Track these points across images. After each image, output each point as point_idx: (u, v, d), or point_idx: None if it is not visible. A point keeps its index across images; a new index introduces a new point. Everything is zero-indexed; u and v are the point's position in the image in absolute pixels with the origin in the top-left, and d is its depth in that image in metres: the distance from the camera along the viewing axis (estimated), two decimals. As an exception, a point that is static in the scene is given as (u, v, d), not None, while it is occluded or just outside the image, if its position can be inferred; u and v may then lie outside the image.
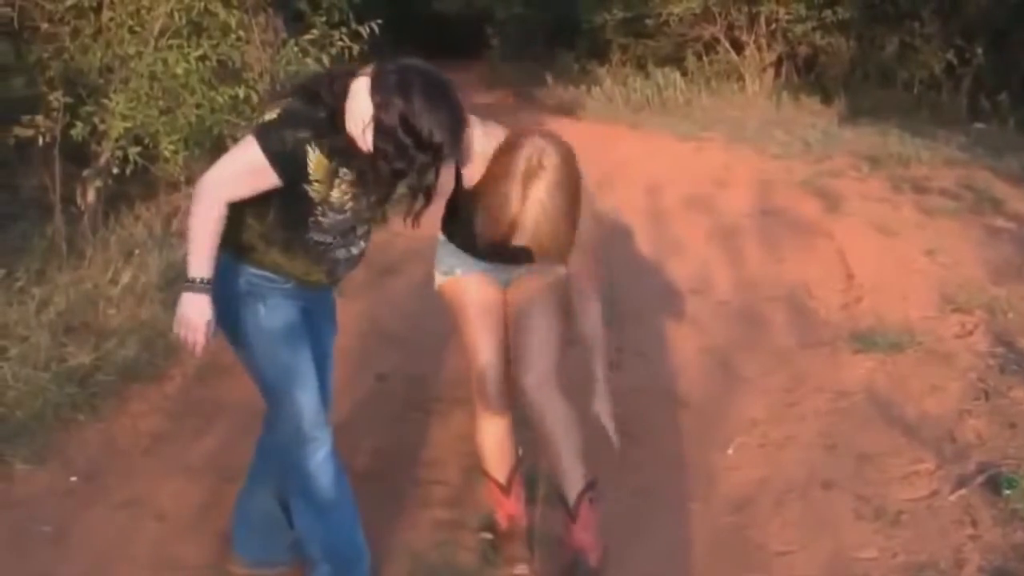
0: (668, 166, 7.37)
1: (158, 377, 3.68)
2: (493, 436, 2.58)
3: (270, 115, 2.16)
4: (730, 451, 3.27)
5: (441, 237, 2.58)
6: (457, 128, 2.11)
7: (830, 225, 5.71)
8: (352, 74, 2.14)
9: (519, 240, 2.19)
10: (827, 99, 10.42)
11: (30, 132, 4.41)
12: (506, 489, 2.61)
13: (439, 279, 2.60)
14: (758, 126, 9.25)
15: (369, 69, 2.12)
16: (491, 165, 2.24)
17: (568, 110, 10.47)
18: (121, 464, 3.12)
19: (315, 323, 2.38)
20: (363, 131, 2.07)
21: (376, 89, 2.07)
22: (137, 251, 4.57)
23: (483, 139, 2.28)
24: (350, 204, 2.21)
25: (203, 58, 5.04)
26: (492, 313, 2.53)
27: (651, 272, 5.15)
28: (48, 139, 4.46)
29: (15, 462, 2.99)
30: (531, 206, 2.15)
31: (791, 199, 6.42)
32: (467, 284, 2.54)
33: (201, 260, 2.13)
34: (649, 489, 2.95)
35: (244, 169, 2.13)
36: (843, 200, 6.25)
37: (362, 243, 2.33)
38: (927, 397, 3.51)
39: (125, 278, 4.19)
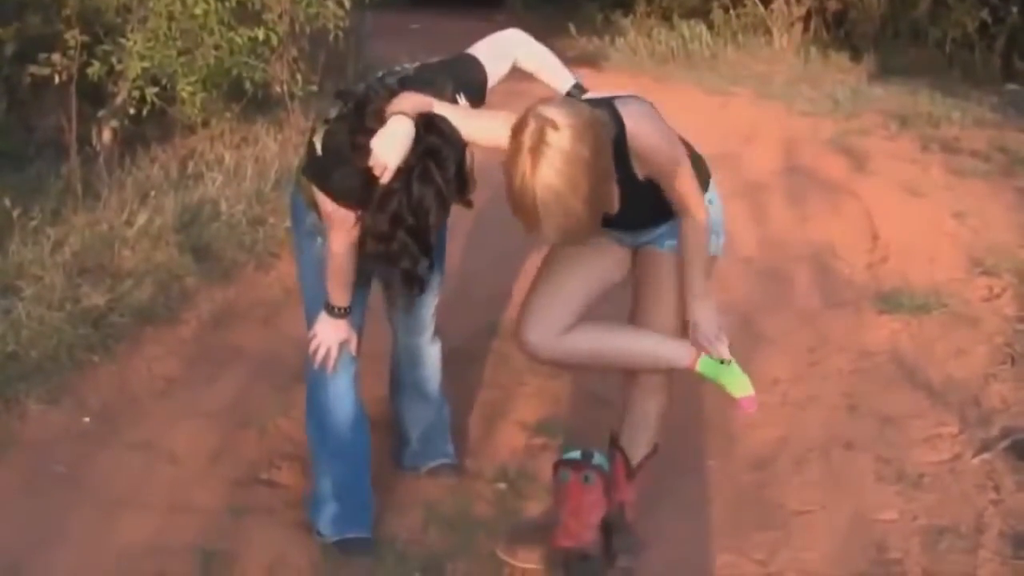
0: (693, 121, 7.16)
1: (173, 320, 3.65)
2: None
3: (318, 151, 2.23)
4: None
5: None
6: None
7: (857, 184, 5.60)
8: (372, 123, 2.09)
9: (538, 221, 1.99)
10: (856, 56, 10.19)
11: (46, 71, 4.36)
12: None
13: None
14: (785, 82, 9.09)
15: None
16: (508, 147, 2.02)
17: (591, 61, 10.28)
18: (135, 406, 3.11)
19: None
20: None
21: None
22: (153, 193, 4.53)
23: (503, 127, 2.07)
24: None
25: (222, -2, 4.94)
26: (596, 258, 2.39)
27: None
28: (64, 78, 4.39)
29: (29, 402, 2.98)
30: (539, 185, 1.94)
31: (818, 157, 6.30)
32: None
33: (339, 292, 2.32)
34: (668, 446, 2.91)
35: (338, 224, 2.20)
36: (871, 159, 6.13)
37: None
38: (952, 360, 3.46)
39: (141, 220, 4.15)
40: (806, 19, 11.22)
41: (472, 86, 2.26)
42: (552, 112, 1.96)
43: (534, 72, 2.41)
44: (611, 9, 12.55)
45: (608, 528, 2.44)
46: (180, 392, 3.22)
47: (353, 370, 2.45)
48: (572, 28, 11.28)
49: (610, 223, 2.28)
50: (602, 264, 2.42)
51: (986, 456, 2.82)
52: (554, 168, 1.93)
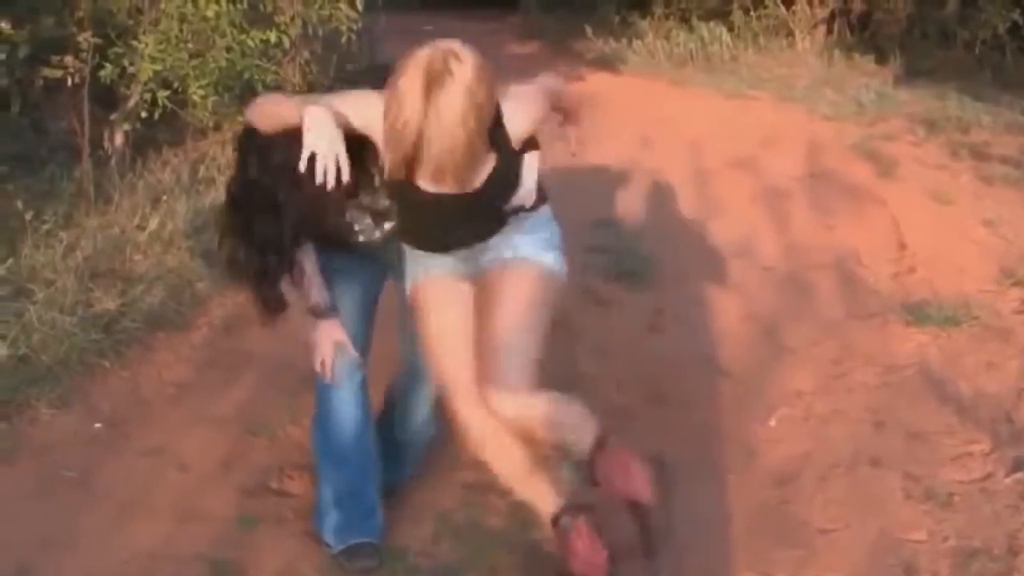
0: (712, 125, 7.21)
1: (184, 326, 3.63)
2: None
3: None
4: (772, 423, 3.15)
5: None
6: None
7: (883, 191, 5.53)
8: None
9: (424, 164, 1.90)
10: (882, 58, 10.09)
11: (58, 73, 4.38)
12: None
13: (408, 289, 2.33)
14: (808, 85, 9.01)
15: None
16: (390, 85, 1.90)
17: (608, 64, 10.25)
18: (145, 412, 3.08)
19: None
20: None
21: None
22: (165, 197, 4.52)
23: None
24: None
25: (234, 0, 4.92)
26: (459, 327, 2.25)
27: (693, 235, 5.00)
28: (77, 81, 4.41)
29: (39, 406, 2.96)
30: (436, 117, 1.84)
31: (842, 162, 6.24)
32: (431, 292, 2.27)
33: (313, 290, 2.31)
34: (687, 460, 2.85)
35: None
36: (897, 165, 6.06)
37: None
38: (983, 374, 3.37)
39: (152, 224, 4.15)
40: (829, 20, 11.14)
41: None
42: (455, 45, 1.91)
43: None
44: (628, 11, 12.50)
45: (640, 528, 2.34)
46: (191, 398, 3.19)
47: (359, 377, 2.41)
48: (588, 30, 11.24)
49: (461, 241, 2.20)
50: (468, 306, 2.28)
51: (1019, 476, 2.73)
52: (454, 98, 1.85)
